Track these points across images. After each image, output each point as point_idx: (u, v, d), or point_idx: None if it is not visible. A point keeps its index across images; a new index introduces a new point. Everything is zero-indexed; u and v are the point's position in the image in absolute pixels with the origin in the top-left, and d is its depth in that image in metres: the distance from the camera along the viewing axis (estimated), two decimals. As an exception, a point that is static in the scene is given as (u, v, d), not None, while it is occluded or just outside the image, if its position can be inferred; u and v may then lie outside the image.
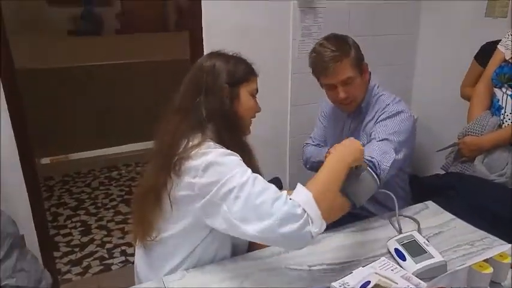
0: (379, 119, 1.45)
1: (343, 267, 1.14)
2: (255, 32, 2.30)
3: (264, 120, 2.43)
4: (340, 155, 1.12)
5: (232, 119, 1.16)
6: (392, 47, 2.82)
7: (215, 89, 1.14)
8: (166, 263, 1.15)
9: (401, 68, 2.94)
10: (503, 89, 1.60)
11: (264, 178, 1.04)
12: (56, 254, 2.59)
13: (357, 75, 1.46)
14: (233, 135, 1.16)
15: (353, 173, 1.17)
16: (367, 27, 2.64)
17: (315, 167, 1.75)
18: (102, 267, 2.50)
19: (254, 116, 1.26)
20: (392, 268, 1.00)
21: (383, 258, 1.04)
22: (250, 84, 1.21)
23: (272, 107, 2.48)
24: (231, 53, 1.23)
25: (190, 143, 1.08)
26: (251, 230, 0.96)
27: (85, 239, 2.79)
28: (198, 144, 1.06)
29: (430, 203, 1.51)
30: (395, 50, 2.85)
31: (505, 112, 1.60)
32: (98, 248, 2.68)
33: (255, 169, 1.17)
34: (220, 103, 1.13)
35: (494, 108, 1.65)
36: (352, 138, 1.21)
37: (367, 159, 1.28)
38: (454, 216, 1.41)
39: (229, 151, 1.07)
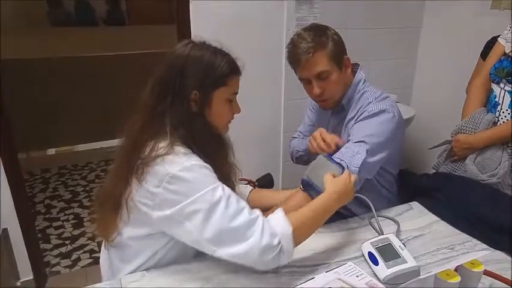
0: (359, 118, 1.38)
1: (313, 270, 1.08)
2: (247, 23, 2.25)
3: (257, 115, 2.42)
4: (337, 196, 1.10)
5: (200, 127, 1.05)
6: (393, 40, 2.75)
7: (182, 95, 1.02)
8: (127, 265, 1.10)
9: (402, 62, 2.87)
10: (501, 85, 1.52)
11: (239, 186, 1.01)
12: (47, 246, 2.59)
13: (334, 70, 1.37)
14: (203, 143, 1.05)
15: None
16: (366, 18, 2.57)
17: (302, 158, 1.70)
18: (91, 260, 2.49)
19: (232, 118, 1.15)
20: (357, 274, 0.95)
21: (349, 263, 1.00)
22: (228, 88, 1.07)
23: (266, 101, 2.44)
24: (211, 45, 1.08)
25: (158, 145, 1.00)
26: (222, 252, 0.95)
27: (76, 232, 2.78)
28: (165, 149, 0.98)
29: (415, 203, 1.45)
30: (396, 43, 2.77)
31: (501, 109, 1.52)
32: (89, 241, 2.68)
33: (227, 176, 1.12)
34: (187, 111, 1.03)
35: (490, 104, 1.58)
36: (348, 174, 1.16)
37: (336, 162, 1.23)
38: (437, 218, 1.35)
39: (199, 163, 0.98)
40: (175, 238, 1.04)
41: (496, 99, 1.53)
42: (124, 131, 1.08)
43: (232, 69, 1.07)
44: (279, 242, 0.94)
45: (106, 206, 1.08)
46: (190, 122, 1.04)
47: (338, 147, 1.31)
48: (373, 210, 1.24)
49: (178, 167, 0.95)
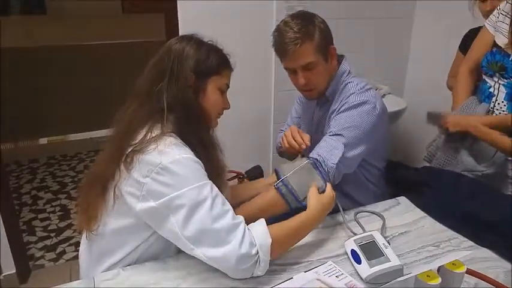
0: (340, 110, 1.34)
1: (295, 269, 1.04)
2: (236, 14, 2.20)
3: (247, 106, 2.38)
4: (321, 214, 1.12)
5: (194, 111, 1.06)
6: (385, 31, 2.70)
7: (180, 76, 1.04)
8: (107, 258, 1.07)
9: (394, 54, 2.83)
10: (495, 78, 1.47)
11: (227, 182, 1.06)
12: (32, 238, 2.55)
13: (320, 61, 1.34)
14: (195, 130, 1.05)
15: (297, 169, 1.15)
16: (358, 9, 2.52)
17: (284, 154, 1.67)
18: (77, 253, 2.43)
19: (221, 113, 1.17)
20: (337, 274, 0.92)
21: (330, 262, 0.97)
22: (221, 78, 1.11)
23: (256, 92, 2.40)
24: (206, 40, 1.12)
25: (149, 134, 0.99)
26: (199, 252, 0.94)
27: (63, 224, 2.74)
28: (157, 139, 0.97)
29: (402, 198, 1.42)
30: (388, 34, 2.73)
31: (496, 100, 1.46)
32: (75, 234, 2.64)
33: (217, 171, 1.10)
34: (183, 92, 1.04)
35: (483, 95, 1.51)
36: (332, 195, 1.16)
37: (313, 157, 1.20)
38: (424, 214, 1.32)
39: (190, 156, 0.97)
40: (156, 233, 1.02)
41: (491, 90, 1.47)
42: (117, 116, 1.07)
43: (225, 62, 1.13)
44: (257, 253, 0.94)
45: (94, 191, 1.05)
46: (186, 104, 1.04)
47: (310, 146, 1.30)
48: (341, 210, 1.22)
49: (170, 159, 0.93)
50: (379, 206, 1.37)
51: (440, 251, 1.14)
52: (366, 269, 1.00)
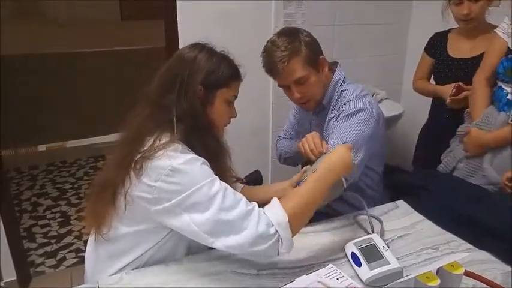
0: (338, 118, 1.37)
1: (296, 272, 1.06)
2: (234, 21, 2.23)
3: (246, 112, 2.37)
4: (331, 166, 1.08)
5: (202, 122, 1.08)
6: (382, 36, 2.73)
7: (189, 88, 1.06)
8: (115, 262, 1.08)
9: (391, 58, 2.86)
10: (511, 84, 1.47)
11: (233, 185, 1.05)
12: (32, 245, 2.56)
13: (312, 73, 1.37)
14: (202, 139, 1.08)
15: None
16: (355, 14, 2.55)
17: (289, 160, 1.69)
18: (77, 259, 2.45)
19: (229, 122, 1.19)
20: (338, 277, 0.93)
21: (330, 265, 0.98)
22: (230, 90, 1.13)
23: (254, 98, 2.42)
24: (218, 50, 1.14)
25: (158, 141, 1.01)
26: (219, 243, 0.95)
27: (63, 231, 2.74)
28: (165, 145, 0.99)
29: (401, 202, 1.44)
30: (385, 39, 2.76)
31: None
32: (75, 240, 2.64)
33: (226, 175, 1.13)
34: (191, 104, 1.06)
35: (501, 102, 1.51)
36: (344, 146, 1.13)
37: None
38: (423, 217, 1.34)
39: (197, 158, 1.00)
40: (167, 237, 1.05)
41: (509, 97, 1.48)
42: (126, 122, 1.09)
43: (235, 74, 1.14)
44: (276, 232, 0.94)
45: (104, 196, 1.06)
46: (194, 116, 1.06)
47: None
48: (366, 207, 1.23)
49: (180, 161, 0.96)
50: (378, 210, 1.39)
51: (439, 254, 1.15)
52: (365, 271, 1.02)
